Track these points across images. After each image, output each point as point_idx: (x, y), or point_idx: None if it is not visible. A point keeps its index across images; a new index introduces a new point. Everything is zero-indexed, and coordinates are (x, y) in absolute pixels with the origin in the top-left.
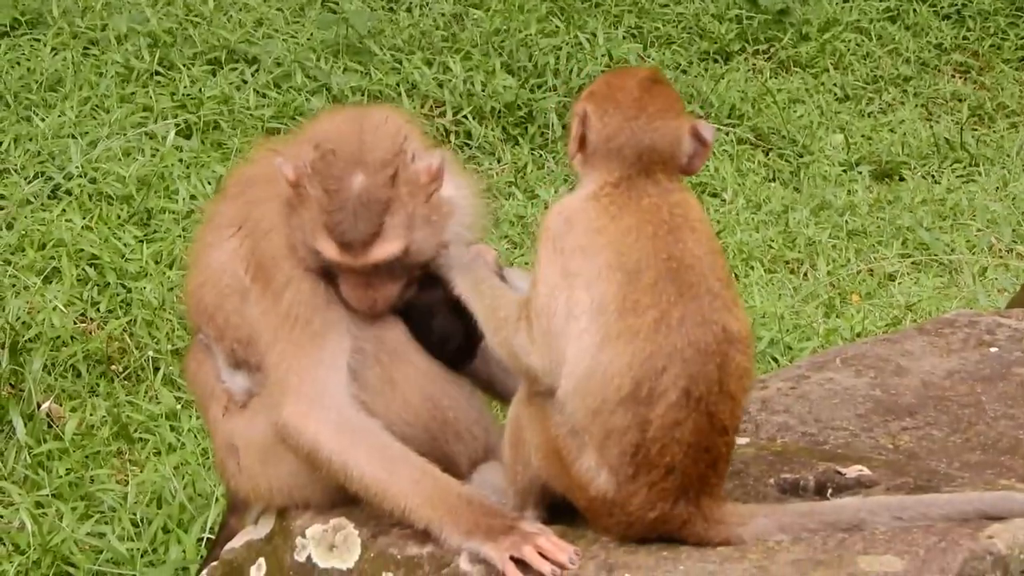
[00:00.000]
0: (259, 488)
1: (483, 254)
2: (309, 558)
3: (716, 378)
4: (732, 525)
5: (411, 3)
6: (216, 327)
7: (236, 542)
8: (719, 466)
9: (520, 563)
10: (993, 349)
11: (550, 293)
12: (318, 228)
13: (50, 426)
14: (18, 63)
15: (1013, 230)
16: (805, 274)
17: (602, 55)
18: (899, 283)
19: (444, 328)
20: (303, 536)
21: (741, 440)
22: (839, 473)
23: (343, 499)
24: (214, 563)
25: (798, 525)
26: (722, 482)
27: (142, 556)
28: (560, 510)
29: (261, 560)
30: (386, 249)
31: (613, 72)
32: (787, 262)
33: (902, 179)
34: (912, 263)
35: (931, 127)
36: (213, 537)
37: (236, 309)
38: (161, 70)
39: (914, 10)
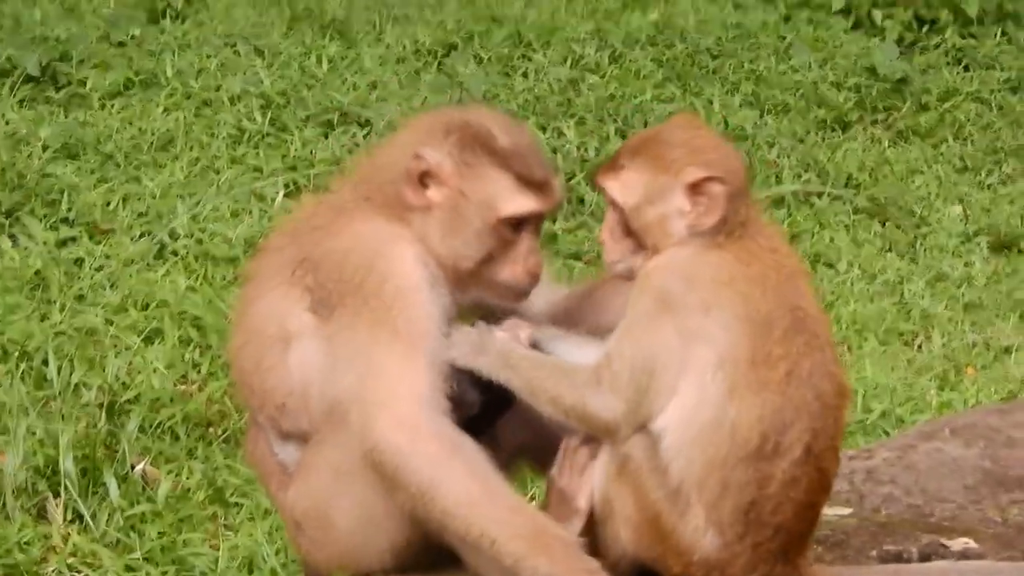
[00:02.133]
0: (331, 556)
1: (516, 328)
2: None
3: (832, 433)
4: None
5: (527, 68)
6: (254, 394)
7: None
8: (815, 525)
9: None
10: None
11: (655, 351)
12: (506, 192)
13: (144, 488)
14: (130, 123)
15: None
16: (919, 346)
17: (718, 122)
18: (1015, 356)
19: (463, 396)
20: None
21: (843, 511)
22: (943, 546)
23: (412, 556)
24: None
25: None
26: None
27: None
28: None
29: None
30: (560, 187)
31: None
32: (901, 334)
33: (1021, 252)
34: None
35: None
36: None
37: (276, 363)
38: (272, 131)
39: None
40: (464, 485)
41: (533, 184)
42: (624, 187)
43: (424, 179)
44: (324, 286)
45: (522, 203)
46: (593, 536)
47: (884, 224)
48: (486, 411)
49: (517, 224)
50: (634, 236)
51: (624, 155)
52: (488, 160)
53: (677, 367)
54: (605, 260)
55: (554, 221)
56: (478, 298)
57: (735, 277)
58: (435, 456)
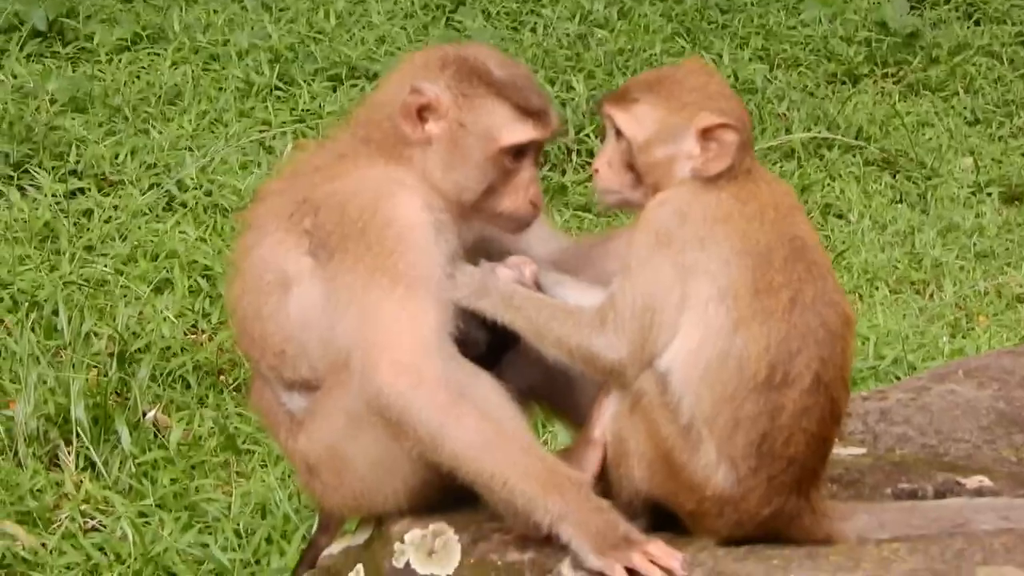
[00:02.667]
0: (346, 500)
1: (521, 265)
2: (408, 564)
3: (840, 363)
4: (835, 520)
5: (535, 23)
6: (255, 343)
7: (334, 548)
8: (827, 458)
9: (629, 571)
10: None
11: (654, 288)
12: (505, 121)
13: (156, 435)
14: (138, 77)
15: None
16: (931, 295)
17: (728, 76)
18: None
19: (468, 335)
20: (401, 542)
21: (858, 450)
22: (959, 483)
23: (427, 498)
24: (312, 569)
25: (901, 522)
26: (825, 473)
27: (245, 567)
28: (660, 521)
29: (359, 566)
30: (558, 117)
31: (691, 74)
32: (912, 283)
33: None
34: None
35: None
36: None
37: (276, 310)
38: (281, 85)
39: None
40: (472, 429)
41: (531, 113)
42: (636, 120)
43: (422, 113)
44: (324, 228)
45: (521, 131)
46: (606, 477)
47: (895, 176)
48: (492, 350)
49: (517, 153)
50: (634, 171)
51: (637, 89)
52: (485, 91)
53: (677, 303)
54: (597, 187)
55: (563, 173)
56: (482, 232)
57: (731, 214)
58: (440, 401)
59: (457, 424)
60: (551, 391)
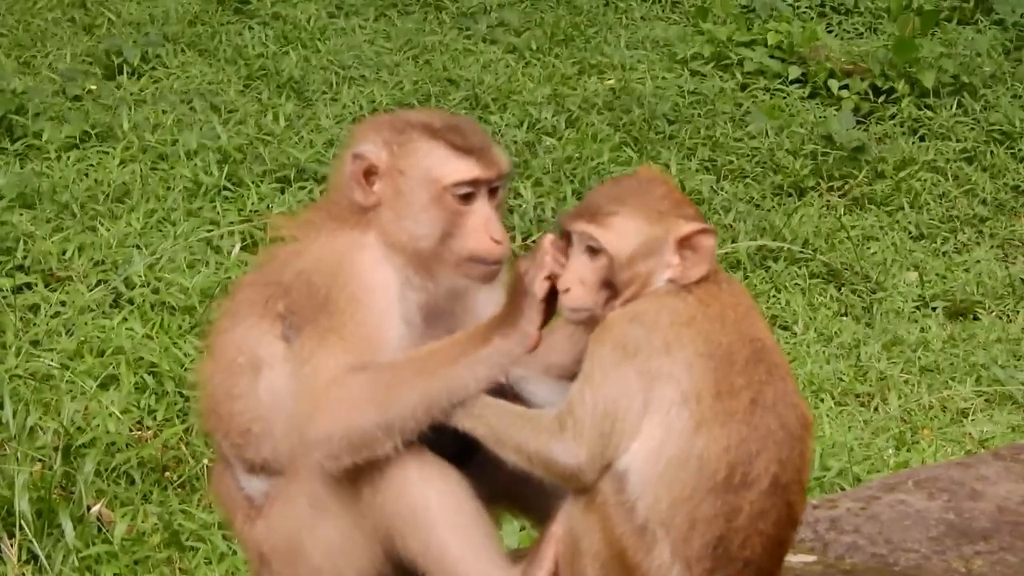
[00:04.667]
0: None
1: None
2: None
3: (798, 465)
4: None
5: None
6: (221, 420)
7: None
8: (782, 563)
9: None
10: None
11: (617, 396)
12: (441, 160)
13: (100, 530)
14: (86, 174)
15: None
16: (876, 408)
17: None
18: (972, 419)
19: (437, 435)
20: None
21: (808, 558)
22: None
23: None
24: None
25: None
26: None
27: None
28: None
29: None
30: (505, 158)
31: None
32: (857, 395)
33: (976, 318)
34: (986, 400)
35: (1007, 268)
36: None
37: (246, 391)
38: (229, 186)
39: (991, 152)
40: (368, 391)
41: (468, 151)
42: (617, 236)
43: (368, 177)
44: (296, 305)
45: (460, 169)
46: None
47: (840, 288)
48: (461, 452)
49: (464, 194)
50: (609, 287)
51: (607, 202)
52: (419, 135)
53: (640, 409)
54: (567, 306)
55: None
56: (454, 289)
57: (695, 317)
58: (337, 398)
59: (355, 400)
60: (521, 491)
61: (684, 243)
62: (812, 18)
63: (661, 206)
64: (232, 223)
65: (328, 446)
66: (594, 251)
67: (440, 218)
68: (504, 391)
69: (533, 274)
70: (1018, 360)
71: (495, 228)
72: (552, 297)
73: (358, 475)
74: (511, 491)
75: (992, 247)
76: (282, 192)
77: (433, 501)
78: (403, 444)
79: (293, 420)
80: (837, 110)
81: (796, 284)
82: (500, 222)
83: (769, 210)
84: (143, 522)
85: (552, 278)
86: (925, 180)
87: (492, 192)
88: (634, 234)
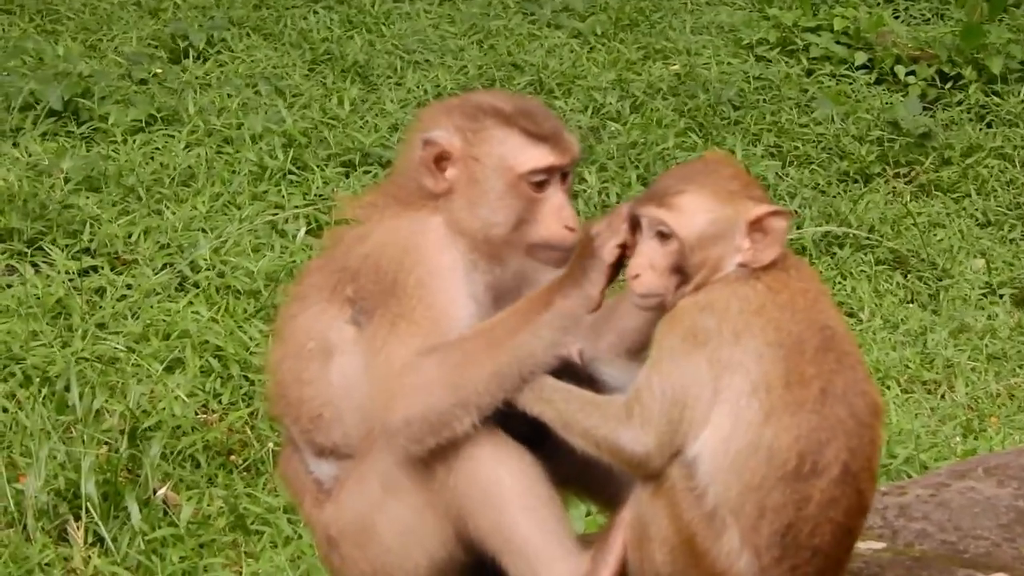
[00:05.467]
0: (364, 574)
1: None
2: None
3: (868, 453)
4: None
5: None
6: (291, 406)
7: None
8: (851, 551)
9: None
10: None
11: (686, 384)
12: (517, 148)
13: (165, 513)
14: (152, 158)
15: None
16: (943, 395)
17: (743, 168)
18: None
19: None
20: None
21: (877, 545)
22: None
23: (448, 570)
24: None
25: None
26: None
27: None
28: None
29: None
30: (576, 142)
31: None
32: (924, 382)
33: None
34: None
35: None
36: None
37: (316, 376)
38: (294, 170)
39: None
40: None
41: (543, 137)
42: (685, 216)
43: (440, 162)
44: (364, 290)
45: (535, 156)
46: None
47: (906, 275)
48: (536, 430)
49: (538, 181)
50: (680, 272)
51: (675, 183)
52: (493, 122)
53: (709, 398)
54: (638, 292)
55: None
56: (522, 271)
57: (765, 305)
58: (412, 383)
59: (432, 382)
60: (591, 476)
61: (755, 226)
62: (879, 3)
63: (730, 186)
64: (297, 207)
65: (409, 430)
66: (664, 236)
67: (515, 205)
68: (579, 373)
69: (605, 238)
70: None
71: (569, 215)
72: (617, 265)
73: (433, 455)
74: (581, 475)
75: None
76: (347, 176)
77: (506, 481)
78: (481, 420)
79: (372, 409)
80: (904, 96)
81: (862, 271)
82: (572, 208)
83: (835, 196)
84: (208, 505)
85: (624, 247)
86: (992, 167)
87: (563, 177)
88: (703, 214)
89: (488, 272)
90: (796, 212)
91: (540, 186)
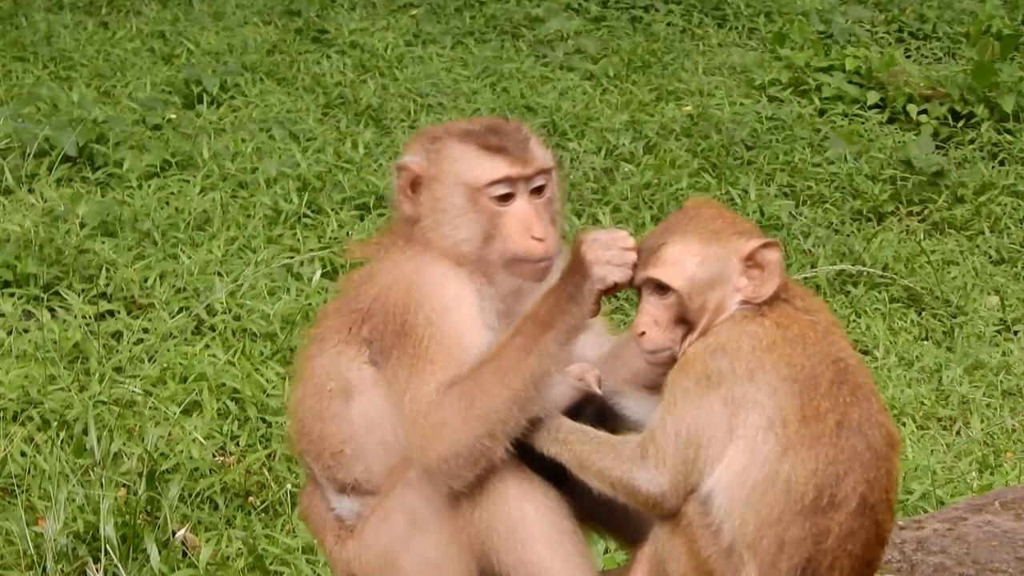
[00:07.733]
0: None
1: (585, 373)
2: None
3: (885, 484)
4: None
5: (561, 156)
6: (312, 443)
7: None
8: None
9: None
10: None
11: (701, 424)
12: (472, 162)
13: (184, 555)
14: (167, 203)
15: None
16: (958, 431)
17: (754, 211)
18: None
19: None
20: None
21: None
22: None
23: None
24: None
25: None
26: None
27: None
28: None
29: None
30: (543, 154)
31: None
32: (939, 419)
33: None
34: None
35: None
36: None
37: (338, 413)
38: (309, 213)
39: None
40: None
41: (499, 149)
42: (674, 267)
43: (415, 188)
44: (377, 333)
45: (490, 168)
46: None
47: (920, 313)
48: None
49: (501, 194)
50: (684, 322)
51: (658, 238)
52: (449, 139)
53: (724, 436)
54: (646, 349)
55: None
56: (511, 286)
57: (776, 341)
58: (440, 422)
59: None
60: (612, 513)
61: (749, 261)
62: (890, 43)
63: (712, 226)
64: (312, 250)
65: (448, 468)
66: (661, 289)
67: (478, 220)
68: (597, 406)
69: (597, 257)
70: None
71: (535, 226)
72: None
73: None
74: (602, 511)
75: None
76: (361, 219)
77: (531, 516)
78: (511, 443)
79: (410, 452)
80: (916, 135)
81: (876, 309)
82: (545, 219)
83: (848, 235)
84: (227, 547)
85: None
86: (1005, 204)
87: (537, 191)
88: (691, 258)
89: (492, 297)
90: (810, 251)
91: (505, 199)
